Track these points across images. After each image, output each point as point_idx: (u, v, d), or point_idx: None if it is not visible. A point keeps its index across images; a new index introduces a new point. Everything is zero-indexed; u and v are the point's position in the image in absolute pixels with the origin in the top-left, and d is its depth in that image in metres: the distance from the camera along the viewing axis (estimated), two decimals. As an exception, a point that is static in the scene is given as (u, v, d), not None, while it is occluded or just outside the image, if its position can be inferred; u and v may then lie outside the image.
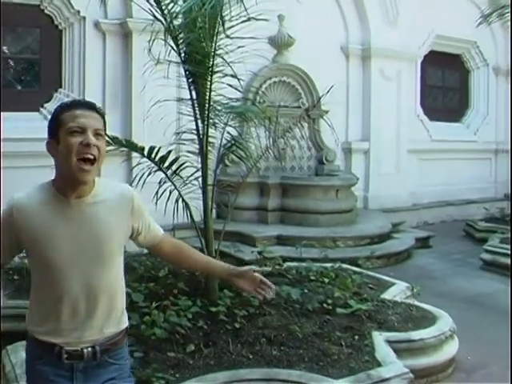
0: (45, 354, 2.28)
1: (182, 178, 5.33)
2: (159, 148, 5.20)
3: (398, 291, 5.72)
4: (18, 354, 3.91)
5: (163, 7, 4.85)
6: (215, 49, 4.95)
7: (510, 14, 8.91)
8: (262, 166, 9.75)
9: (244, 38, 4.84)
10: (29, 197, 2.24)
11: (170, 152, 5.26)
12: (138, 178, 5.09)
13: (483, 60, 14.00)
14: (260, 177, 9.44)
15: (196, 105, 5.14)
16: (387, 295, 5.55)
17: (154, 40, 4.84)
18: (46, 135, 2.25)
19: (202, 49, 4.91)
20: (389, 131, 11.81)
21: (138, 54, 8.38)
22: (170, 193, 5.28)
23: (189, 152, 5.35)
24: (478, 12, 11.50)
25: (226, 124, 5.34)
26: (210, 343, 4.31)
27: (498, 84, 14.16)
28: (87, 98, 7.44)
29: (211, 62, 4.98)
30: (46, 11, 8.63)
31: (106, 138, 2.36)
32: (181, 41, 4.98)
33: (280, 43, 10.51)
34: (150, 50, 4.77)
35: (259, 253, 6.56)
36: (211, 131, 5.23)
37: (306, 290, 5.42)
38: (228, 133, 5.46)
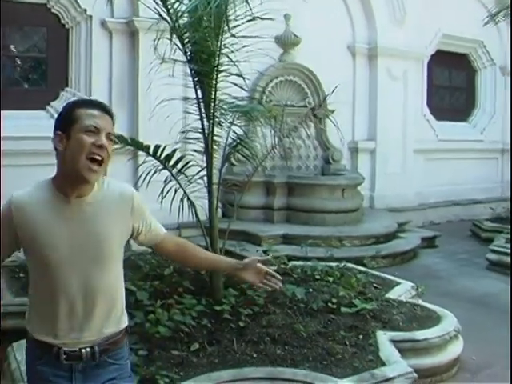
0: (44, 354, 2.28)
1: (187, 176, 5.34)
2: (164, 147, 5.20)
3: (402, 291, 5.71)
4: (23, 351, 3.90)
5: (169, 6, 4.86)
6: (220, 48, 4.95)
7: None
8: (268, 165, 9.73)
9: (249, 37, 4.84)
10: (28, 195, 2.24)
11: (175, 150, 5.27)
12: (143, 177, 5.11)
13: (490, 59, 13.95)
14: (266, 176, 9.43)
15: (202, 103, 5.15)
16: (392, 295, 5.54)
17: (159, 39, 4.85)
18: (51, 134, 2.24)
19: (207, 48, 4.91)
20: (395, 131, 11.79)
21: (144, 53, 8.41)
22: (176, 191, 5.30)
23: (194, 151, 5.36)
24: (484, 11, 11.50)
25: (231, 123, 5.34)
26: (214, 342, 4.32)
27: (505, 83, 14.09)
28: (94, 97, 7.48)
29: (216, 61, 4.98)
30: (52, 10, 8.65)
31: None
32: (186, 40, 4.99)
33: (286, 42, 10.50)
34: (155, 48, 4.78)
35: (264, 252, 6.57)
36: (217, 130, 5.23)
37: (310, 289, 5.42)
38: (234, 132, 5.46)
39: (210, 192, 5.21)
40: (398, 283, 5.96)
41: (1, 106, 7.49)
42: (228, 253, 5.97)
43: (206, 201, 5.26)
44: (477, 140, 13.49)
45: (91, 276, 2.25)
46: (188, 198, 5.27)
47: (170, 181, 5.30)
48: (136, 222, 2.40)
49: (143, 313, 4.50)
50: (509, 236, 8.70)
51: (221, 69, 5.05)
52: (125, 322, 2.44)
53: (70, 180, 2.21)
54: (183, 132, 5.54)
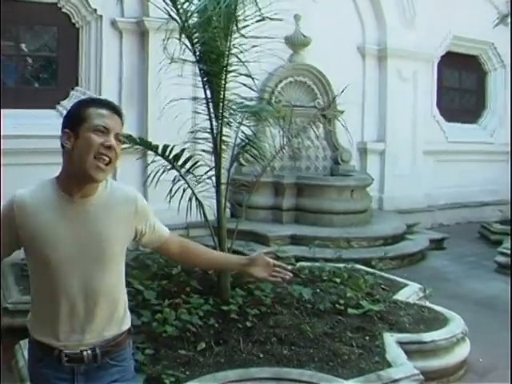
0: (45, 356, 2.26)
1: (195, 176, 5.36)
2: (173, 146, 5.22)
3: (410, 292, 5.71)
4: (30, 349, 3.94)
5: (178, 6, 4.86)
6: (230, 48, 4.95)
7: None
8: (277, 165, 9.74)
9: (259, 37, 4.84)
10: (31, 194, 2.22)
11: (183, 150, 5.28)
12: (152, 176, 5.13)
13: (500, 61, 13.86)
14: (275, 176, 9.43)
15: (211, 103, 5.15)
16: (399, 296, 5.54)
17: (169, 39, 4.85)
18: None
19: (216, 48, 4.92)
20: (405, 132, 11.75)
21: (153, 53, 8.42)
22: (184, 191, 5.31)
23: (203, 151, 5.37)
24: (495, 13, 11.44)
25: (240, 123, 5.35)
26: (221, 341, 4.33)
27: (515, 85, 14.01)
28: (104, 96, 7.47)
29: (226, 61, 4.99)
30: (63, 10, 8.67)
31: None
32: (196, 40, 4.99)
33: (296, 43, 10.46)
34: (165, 48, 4.80)
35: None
36: (225, 130, 5.24)
37: (318, 290, 5.42)
38: (242, 132, 5.47)
39: (218, 192, 5.21)
40: (406, 285, 5.95)
41: (1, 105, 7.51)
42: (236, 253, 5.98)
43: (215, 201, 5.27)
44: (487, 142, 13.41)
45: (92, 276, 2.23)
46: (196, 198, 5.29)
47: (179, 180, 5.32)
48: (139, 224, 2.39)
49: (150, 312, 4.52)
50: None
51: (230, 69, 5.05)
52: (127, 323, 2.41)
53: (77, 179, 2.19)
54: (192, 132, 5.55)
